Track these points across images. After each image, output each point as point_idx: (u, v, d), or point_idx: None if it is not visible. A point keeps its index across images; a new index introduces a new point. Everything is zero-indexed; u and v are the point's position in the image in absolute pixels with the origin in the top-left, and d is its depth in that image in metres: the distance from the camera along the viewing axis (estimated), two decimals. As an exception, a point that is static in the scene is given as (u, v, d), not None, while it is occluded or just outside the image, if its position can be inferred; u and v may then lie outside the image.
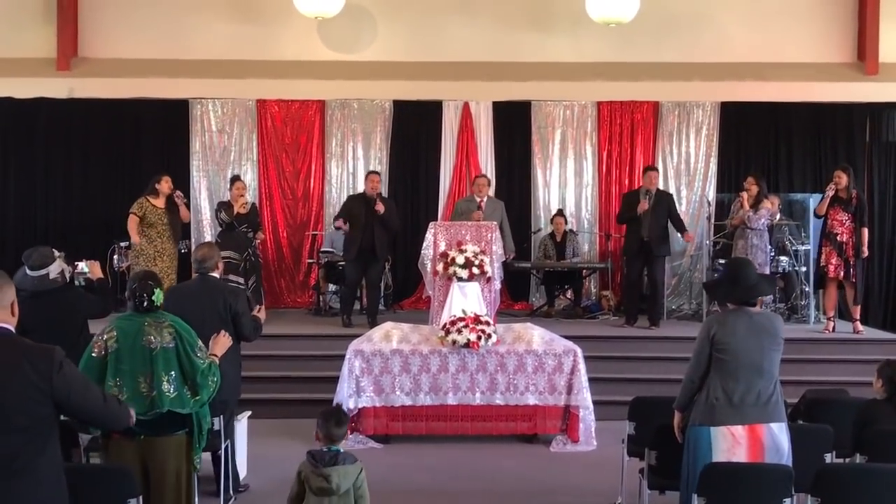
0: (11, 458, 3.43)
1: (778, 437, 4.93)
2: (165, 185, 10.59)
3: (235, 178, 11.21)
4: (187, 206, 10.95)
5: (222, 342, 5.25)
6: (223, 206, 10.80)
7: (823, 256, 10.44)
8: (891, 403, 5.60)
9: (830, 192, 10.34)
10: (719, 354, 4.95)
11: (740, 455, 4.86)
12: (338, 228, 11.01)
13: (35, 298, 6.03)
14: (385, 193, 12.95)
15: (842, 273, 10.34)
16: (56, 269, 6.13)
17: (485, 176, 11.81)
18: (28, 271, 6.07)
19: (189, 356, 4.75)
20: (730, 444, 4.87)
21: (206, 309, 6.26)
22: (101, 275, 6.88)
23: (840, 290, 10.67)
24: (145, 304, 4.81)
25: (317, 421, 4.84)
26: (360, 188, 12.44)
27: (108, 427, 4.04)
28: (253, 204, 11.26)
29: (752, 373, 4.91)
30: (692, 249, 12.87)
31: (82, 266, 6.54)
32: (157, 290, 4.85)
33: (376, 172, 11.47)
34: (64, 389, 3.52)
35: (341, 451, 4.72)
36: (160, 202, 10.55)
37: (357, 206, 10.82)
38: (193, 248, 12.61)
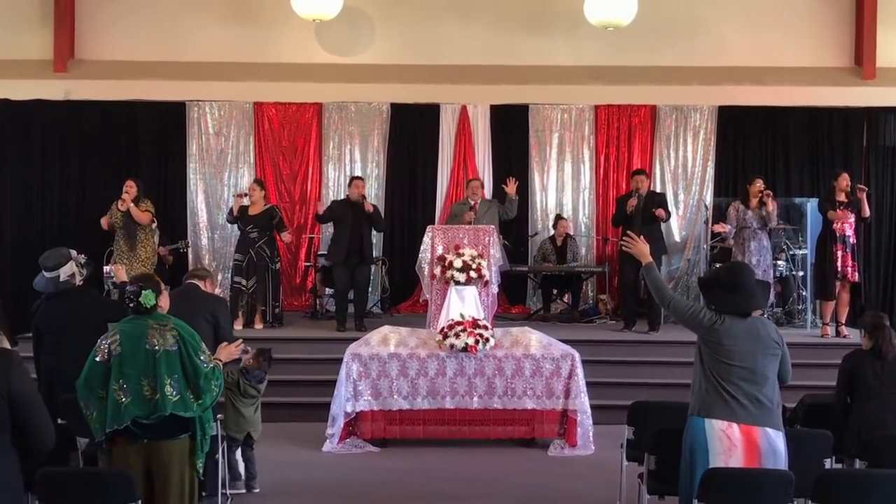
0: None
1: (775, 441, 4.87)
2: (125, 190, 10.59)
3: (254, 181, 11.45)
4: (153, 211, 10.77)
5: (228, 350, 5.23)
6: (231, 209, 11.17)
7: (837, 261, 10.29)
8: (873, 353, 5.90)
9: (844, 199, 10.35)
10: (716, 354, 4.88)
11: (737, 458, 4.80)
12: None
13: (51, 300, 6.06)
14: (382, 196, 13.00)
15: (857, 275, 10.35)
16: (67, 270, 6.10)
17: (477, 179, 11.85)
18: (44, 273, 6.10)
19: (192, 359, 4.74)
20: (726, 446, 4.81)
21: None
22: (124, 278, 6.79)
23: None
24: (132, 304, 4.79)
25: (256, 356, 6.77)
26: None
27: (36, 445, 3.77)
28: (269, 207, 11.16)
29: (746, 379, 4.84)
30: (689, 253, 12.87)
31: (108, 270, 6.52)
32: (144, 292, 4.78)
33: (360, 178, 11.60)
34: (19, 389, 3.55)
35: None
36: (123, 206, 10.59)
37: (342, 210, 10.93)
38: (189, 248, 12.72)
